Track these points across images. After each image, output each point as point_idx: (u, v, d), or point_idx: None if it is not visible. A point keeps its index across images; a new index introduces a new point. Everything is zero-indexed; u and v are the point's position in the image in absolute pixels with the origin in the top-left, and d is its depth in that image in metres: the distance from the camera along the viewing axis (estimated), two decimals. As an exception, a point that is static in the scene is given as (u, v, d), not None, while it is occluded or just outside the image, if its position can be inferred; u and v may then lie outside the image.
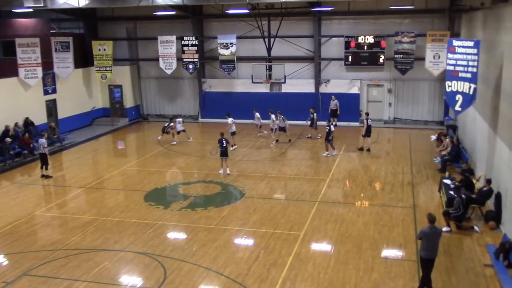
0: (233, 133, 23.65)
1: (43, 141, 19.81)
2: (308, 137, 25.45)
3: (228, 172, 19.45)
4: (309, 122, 25.43)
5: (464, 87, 14.83)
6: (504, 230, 13.36)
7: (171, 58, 28.95)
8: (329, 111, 28.14)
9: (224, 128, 23.87)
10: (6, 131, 22.77)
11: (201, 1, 25.10)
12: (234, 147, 23.33)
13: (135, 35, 31.53)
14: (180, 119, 26.04)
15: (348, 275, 11.47)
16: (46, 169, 19.87)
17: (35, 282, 11.46)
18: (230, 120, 23.60)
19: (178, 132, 25.16)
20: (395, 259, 12.32)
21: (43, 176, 19.78)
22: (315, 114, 25.29)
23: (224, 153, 19.35)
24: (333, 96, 27.95)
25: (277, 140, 24.50)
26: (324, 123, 27.82)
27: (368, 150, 22.69)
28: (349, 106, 28.22)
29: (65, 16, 30.32)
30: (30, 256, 12.79)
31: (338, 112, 28.01)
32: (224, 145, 19.28)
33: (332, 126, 21.90)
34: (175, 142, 24.64)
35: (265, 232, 14.01)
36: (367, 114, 23.29)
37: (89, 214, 15.75)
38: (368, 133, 22.61)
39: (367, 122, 22.51)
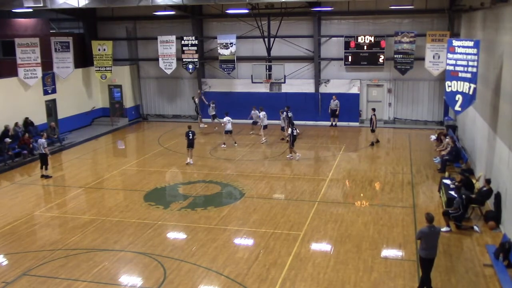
0: (227, 132, 23.78)
1: (42, 141, 19.80)
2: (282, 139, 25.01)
3: (191, 162, 20.85)
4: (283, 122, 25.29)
5: (464, 87, 14.84)
6: (503, 230, 13.37)
7: (171, 58, 28.96)
8: (329, 111, 28.20)
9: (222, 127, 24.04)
10: (6, 131, 22.76)
11: (201, 1, 25.07)
12: (224, 146, 23.86)
13: (135, 35, 31.53)
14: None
15: (348, 275, 11.47)
16: (46, 169, 19.87)
17: (35, 282, 11.46)
18: (225, 119, 23.89)
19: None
20: (394, 259, 12.32)
21: (43, 176, 19.78)
22: (289, 113, 25.30)
23: (190, 145, 20.71)
24: (334, 96, 27.92)
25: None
26: (326, 123, 28.20)
27: (375, 143, 23.76)
28: (349, 106, 28.22)
29: (65, 16, 30.31)
30: (30, 256, 12.79)
31: (337, 112, 28.00)
32: (191, 137, 20.55)
33: (294, 131, 21.18)
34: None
35: (264, 232, 14.01)
36: (373, 109, 24.11)
37: (88, 214, 15.75)
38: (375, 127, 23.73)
39: (375, 118, 23.48)
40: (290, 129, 21.48)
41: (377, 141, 23.98)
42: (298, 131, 21.64)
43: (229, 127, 23.76)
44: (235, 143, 24.01)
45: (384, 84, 28.42)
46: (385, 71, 28.03)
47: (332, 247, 12.99)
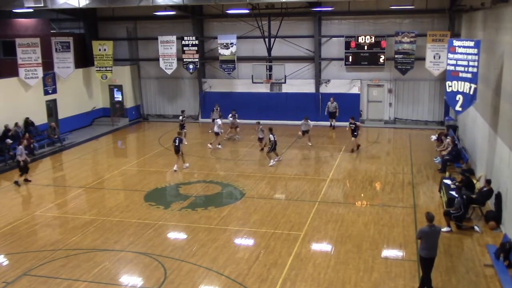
0: (216, 134, 23.67)
1: (19, 148, 19.12)
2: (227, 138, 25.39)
3: (175, 169, 20.15)
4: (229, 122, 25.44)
5: (465, 87, 14.84)
6: (504, 230, 13.36)
7: (172, 58, 28.97)
8: (326, 113, 27.80)
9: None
10: (7, 130, 22.74)
11: (201, 1, 25.09)
12: (219, 146, 23.82)
13: (135, 35, 31.54)
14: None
15: (348, 275, 11.47)
16: (20, 176, 19.17)
17: (35, 282, 11.46)
18: (219, 121, 23.97)
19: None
20: (395, 259, 12.31)
21: (16, 182, 19.04)
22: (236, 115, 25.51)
23: (176, 151, 20.17)
24: (331, 98, 27.55)
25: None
26: (327, 123, 28.07)
27: (356, 148, 22.78)
28: (350, 106, 28.18)
29: (66, 16, 30.34)
30: (30, 256, 12.80)
31: (337, 114, 27.55)
32: (176, 144, 19.98)
33: (274, 136, 20.49)
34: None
35: (265, 232, 14.00)
36: (352, 118, 23.09)
37: (89, 214, 15.75)
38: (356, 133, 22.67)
39: (355, 125, 22.61)
40: (270, 135, 20.50)
41: (358, 147, 22.87)
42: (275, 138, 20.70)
43: (215, 129, 23.56)
44: (219, 144, 23.90)
45: (385, 84, 28.42)
46: (385, 71, 28.03)
47: (333, 247, 12.98)
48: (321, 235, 13.78)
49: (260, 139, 22.79)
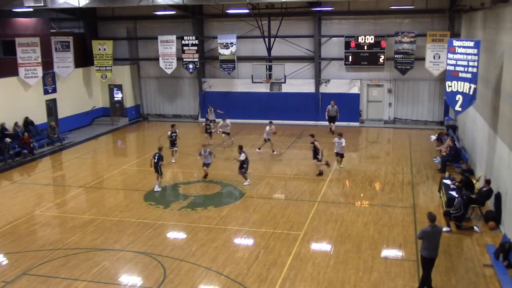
0: (267, 140, 22.30)
1: None
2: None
3: (156, 189, 17.78)
4: (207, 127, 24.47)
5: (464, 87, 14.85)
6: (503, 230, 13.37)
7: (171, 58, 28.98)
8: (326, 117, 26.75)
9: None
10: (3, 129, 22.63)
11: (201, 1, 25.10)
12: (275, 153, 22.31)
13: (135, 35, 31.52)
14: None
15: (348, 275, 11.47)
16: None
17: (35, 282, 11.46)
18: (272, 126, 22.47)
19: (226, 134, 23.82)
20: (395, 259, 12.32)
21: None
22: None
23: (155, 169, 17.77)
24: (332, 102, 26.46)
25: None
26: (327, 123, 27.76)
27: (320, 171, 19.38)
28: (349, 106, 28.18)
29: (65, 15, 30.31)
30: (30, 256, 12.80)
31: (337, 118, 26.48)
32: (155, 160, 17.67)
33: (244, 155, 18.20)
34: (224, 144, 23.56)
35: (264, 232, 14.00)
36: (312, 136, 19.79)
37: (88, 214, 15.75)
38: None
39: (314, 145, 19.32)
40: (242, 154, 18.20)
41: (321, 173, 19.30)
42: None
43: (265, 135, 22.14)
44: (273, 151, 22.33)
45: (385, 84, 28.42)
46: (385, 71, 28.03)
47: (332, 247, 12.99)
48: (321, 235, 13.78)
49: (205, 165, 19.07)
